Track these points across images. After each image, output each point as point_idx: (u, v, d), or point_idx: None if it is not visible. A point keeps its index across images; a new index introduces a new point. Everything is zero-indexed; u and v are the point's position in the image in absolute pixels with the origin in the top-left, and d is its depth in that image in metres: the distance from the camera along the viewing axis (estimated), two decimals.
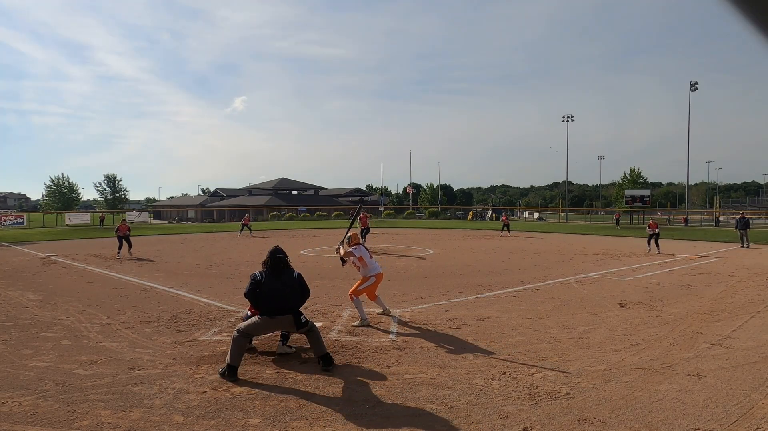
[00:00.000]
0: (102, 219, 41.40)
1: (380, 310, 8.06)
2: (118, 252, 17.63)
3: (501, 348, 6.24)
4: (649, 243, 19.37)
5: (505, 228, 30.63)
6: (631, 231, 32.68)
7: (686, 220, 48.21)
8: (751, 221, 27.18)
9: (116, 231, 18.16)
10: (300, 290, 5.71)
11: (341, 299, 9.55)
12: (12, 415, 4.16)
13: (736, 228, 22.70)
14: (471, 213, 62.62)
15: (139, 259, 16.92)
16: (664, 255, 17.93)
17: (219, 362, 5.57)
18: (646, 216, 48.30)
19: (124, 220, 19.68)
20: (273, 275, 5.59)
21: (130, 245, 18.00)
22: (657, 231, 19.16)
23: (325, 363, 5.42)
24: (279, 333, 6.18)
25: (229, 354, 5.25)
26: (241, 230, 30.31)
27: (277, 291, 5.51)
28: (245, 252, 19.44)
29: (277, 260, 5.65)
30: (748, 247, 21.00)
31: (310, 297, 6.00)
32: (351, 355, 5.93)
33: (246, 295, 5.59)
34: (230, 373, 5.12)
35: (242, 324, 5.58)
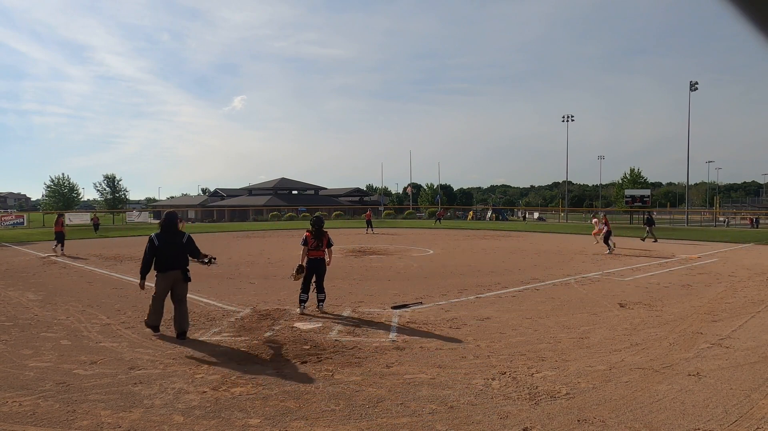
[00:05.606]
0: (96, 225, 34.89)
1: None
2: (57, 248, 18.38)
3: (501, 348, 6.24)
4: (606, 242, 18.87)
5: (438, 220, 40.43)
6: (630, 231, 32.66)
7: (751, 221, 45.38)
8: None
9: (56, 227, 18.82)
10: (188, 251, 7.08)
11: (341, 299, 9.55)
12: (12, 415, 4.15)
13: (644, 224, 26.63)
14: (471, 213, 62.63)
15: (139, 259, 16.90)
16: (663, 255, 17.93)
17: (219, 362, 5.59)
18: (644, 216, 47.90)
19: (62, 215, 20.71)
20: (166, 237, 6.90)
21: (62, 244, 18.64)
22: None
23: (180, 336, 6.69)
24: (299, 299, 8.31)
25: (148, 314, 6.82)
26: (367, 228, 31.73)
27: (169, 251, 6.84)
28: (245, 252, 19.43)
29: (169, 224, 7.01)
30: (655, 241, 23.75)
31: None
32: (351, 355, 5.92)
33: (144, 258, 6.86)
34: (153, 329, 6.83)
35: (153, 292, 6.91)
